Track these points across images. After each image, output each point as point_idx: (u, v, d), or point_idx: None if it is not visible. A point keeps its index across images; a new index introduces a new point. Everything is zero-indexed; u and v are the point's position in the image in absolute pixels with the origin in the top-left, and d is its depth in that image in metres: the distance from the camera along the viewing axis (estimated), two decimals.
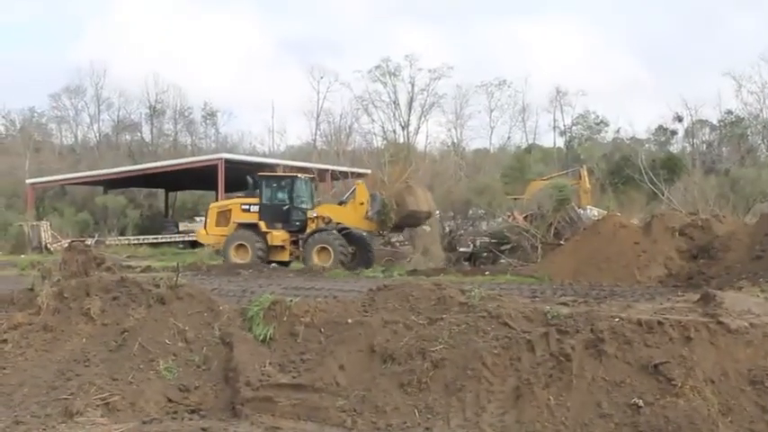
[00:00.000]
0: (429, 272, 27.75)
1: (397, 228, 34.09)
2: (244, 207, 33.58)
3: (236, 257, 31.91)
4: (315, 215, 32.92)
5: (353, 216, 32.48)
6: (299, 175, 35.54)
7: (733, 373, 9.09)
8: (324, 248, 31.22)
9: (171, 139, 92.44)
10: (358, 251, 32.21)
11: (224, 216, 33.94)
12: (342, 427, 9.41)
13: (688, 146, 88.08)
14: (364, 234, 33.23)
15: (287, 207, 33.36)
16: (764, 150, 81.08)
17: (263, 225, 32.64)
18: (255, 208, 33.25)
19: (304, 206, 33.97)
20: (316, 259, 31.01)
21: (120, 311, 11.88)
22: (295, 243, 32.93)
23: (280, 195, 33.84)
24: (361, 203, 32.31)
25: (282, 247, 32.76)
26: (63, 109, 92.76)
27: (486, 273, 27.89)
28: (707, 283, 19.87)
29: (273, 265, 31.90)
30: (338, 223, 32.68)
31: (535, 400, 9.02)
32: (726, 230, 26.09)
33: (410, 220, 33.10)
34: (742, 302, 10.56)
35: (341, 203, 33.98)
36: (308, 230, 32.44)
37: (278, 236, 32.62)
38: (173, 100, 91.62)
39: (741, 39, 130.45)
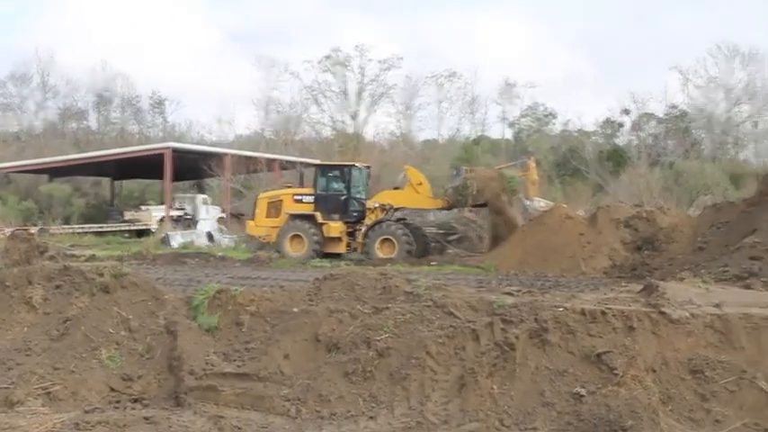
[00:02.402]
0: (376, 261, 27.76)
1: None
2: (296, 198, 32.68)
3: (290, 250, 31.13)
4: (376, 205, 31.94)
5: (416, 198, 31.85)
6: (357, 164, 34.27)
7: (674, 362, 9.20)
8: (387, 240, 30.40)
9: (118, 127, 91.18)
10: (414, 240, 31.02)
11: (274, 207, 32.89)
12: (286, 416, 9.38)
13: (634, 139, 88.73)
14: (418, 224, 32.84)
15: (344, 197, 32.32)
16: (708, 144, 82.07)
17: (319, 216, 31.71)
18: (309, 198, 32.33)
19: (360, 196, 32.93)
20: (379, 252, 30.24)
21: (63, 300, 11.75)
22: (351, 234, 32.04)
23: (336, 185, 32.69)
24: (420, 183, 31.70)
25: (339, 239, 31.79)
26: (8, 96, 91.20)
27: (433, 263, 27.95)
28: (650, 273, 20.09)
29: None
30: (397, 209, 32.26)
31: (479, 389, 9.07)
32: (669, 222, 26.42)
33: (480, 207, 32.34)
34: (684, 293, 10.68)
35: (395, 189, 33.27)
36: (369, 221, 31.44)
37: (335, 227, 31.63)
38: (120, 88, 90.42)
39: (688, 33, 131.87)
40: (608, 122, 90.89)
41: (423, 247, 31.14)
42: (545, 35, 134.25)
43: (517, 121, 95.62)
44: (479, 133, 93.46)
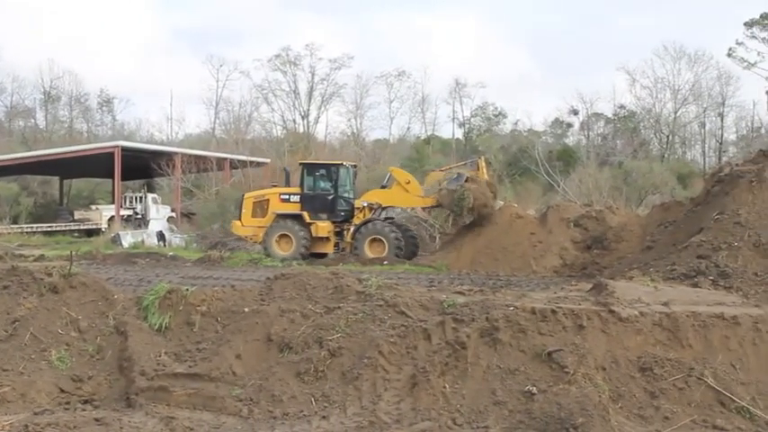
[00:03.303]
0: (328, 261, 27.70)
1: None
2: (283, 197, 31.95)
3: (278, 249, 30.62)
4: (364, 204, 31.39)
5: (406, 196, 31.40)
6: (344, 163, 33.74)
7: (623, 360, 9.30)
8: (376, 239, 29.88)
9: (66, 125, 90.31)
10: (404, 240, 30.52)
11: (261, 207, 32.25)
12: (238, 417, 9.33)
13: (583, 138, 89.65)
14: (406, 223, 32.50)
15: (332, 196, 31.70)
16: (656, 144, 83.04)
17: (306, 216, 31.12)
18: (296, 198, 31.73)
19: (348, 195, 32.46)
20: (368, 251, 29.72)
21: (11, 300, 11.59)
22: (339, 234, 31.60)
23: (323, 184, 32.07)
24: (408, 182, 31.23)
25: (327, 239, 31.25)
26: None
27: (385, 262, 27.94)
28: (600, 272, 20.28)
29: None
30: (384, 209, 31.95)
31: (431, 388, 9.09)
32: (619, 222, 26.68)
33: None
34: (633, 292, 10.80)
35: (383, 188, 32.33)
36: (357, 221, 30.90)
37: (323, 227, 31.08)
38: (68, 86, 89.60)
39: (635, 34, 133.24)
40: (557, 122, 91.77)
41: (411, 248, 30.80)
42: (495, 35, 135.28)
43: (467, 121, 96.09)
44: (430, 133, 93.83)
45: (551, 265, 25.47)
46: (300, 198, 31.55)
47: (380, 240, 29.79)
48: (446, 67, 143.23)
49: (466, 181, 29.37)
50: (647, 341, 9.52)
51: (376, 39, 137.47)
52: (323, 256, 30.76)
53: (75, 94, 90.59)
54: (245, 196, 33.45)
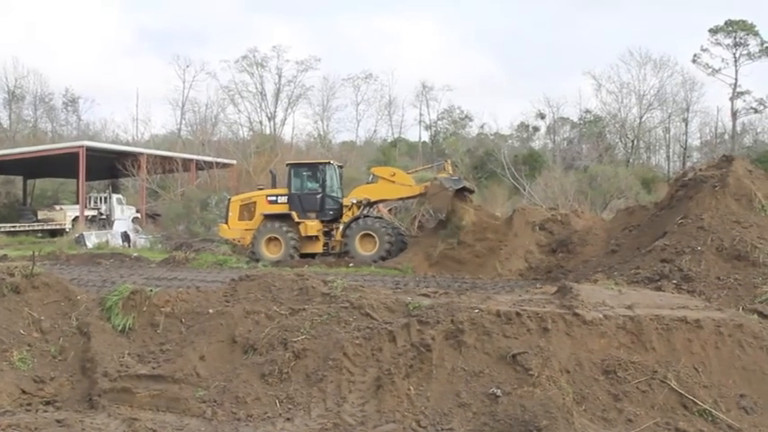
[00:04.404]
0: (293, 263, 27.65)
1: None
2: (270, 198, 32.02)
3: (268, 253, 30.52)
4: (353, 202, 31.45)
5: (394, 188, 31.25)
6: (331, 162, 33.93)
7: (587, 362, 9.33)
8: (367, 235, 29.92)
9: (30, 125, 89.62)
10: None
11: (247, 209, 32.30)
12: (202, 418, 9.27)
13: (549, 142, 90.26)
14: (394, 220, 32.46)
15: (320, 195, 31.73)
16: (622, 149, 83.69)
17: (295, 215, 31.14)
18: (283, 199, 31.75)
19: (336, 194, 32.52)
20: (359, 248, 29.77)
21: None
22: (327, 234, 31.50)
23: (310, 184, 32.11)
24: (393, 174, 31.33)
25: (316, 238, 31.24)
26: None
27: (351, 264, 27.92)
28: (565, 275, 20.33)
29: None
30: (374, 203, 31.94)
31: (396, 390, 9.07)
32: (584, 225, 26.82)
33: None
34: (597, 295, 10.85)
35: (369, 183, 32.53)
36: (346, 219, 30.96)
37: (312, 226, 31.12)
38: (32, 85, 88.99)
39: (601, 39, 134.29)
40: (523, 126, 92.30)
41: (400, 245, 30.48)
42: (462, 39, 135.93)
43: (434, 124, 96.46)
44: (396, 135, 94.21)
45: (516, 268, 25.51)
46: (288, 198, 31.58)
47: (371, 236, 29.80)
48: (413, 70, 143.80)
49: (464, 190, 29.65)
50: (611, 344, 9.57)
51: (342, 42, 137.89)
52: (312, 256, 30.65)
53: (40, 94, 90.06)
54: (232, 200, 33.57)
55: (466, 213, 28.05)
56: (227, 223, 32.74)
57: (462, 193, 29.75)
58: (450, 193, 28.75)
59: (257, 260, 29.88)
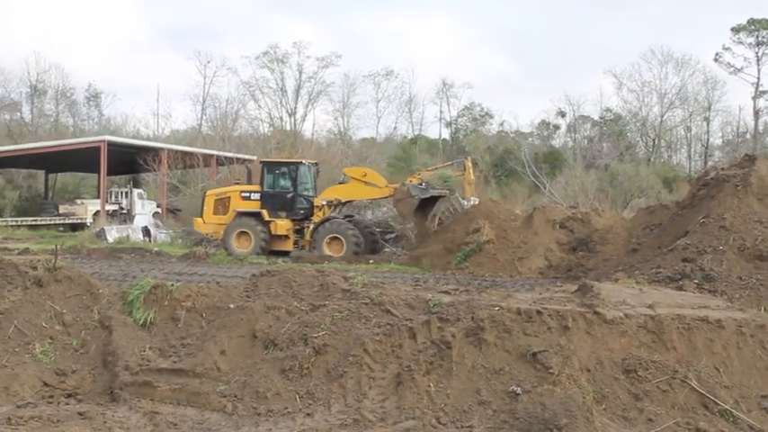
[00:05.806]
0: (314, 259, 27.68)
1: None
2: (244, 195, 32.04)
3: (237, 246, 30.59)
4: (324, 202, 31.47)
5: (364, 189, 31.45)
6: (304, 161, 33.90)
7: (608, 361, 9.31)
8: (335, 238, 29.93)
9: (52, 119, 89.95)
10: (363, 238, 30.65)
11: (222, 204, 32.33)
12: (222, 413, 9.32)
13: (570, 141, 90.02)
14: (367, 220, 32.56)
15: (291, 195, 31.82)
16: (642, 147, 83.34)
17: (266, 214, 31.16)
18: (256, 196, 31.82)
19: (308, 193, 32.47)
20: (327, 249, 29.76)
21: None
22: (298, 232, 31.57)
23: (283, 182, 32.19)
24: (364, 174, 31.52)
25: (286, 237, 31.28)
26: None
27: (371, 261, 27.92)
28: (585, 274, 20.28)
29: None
30: (345, 204, 32.12)
31: (416, 387, 9.08)
32: (604, 224, 26.70)
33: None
34: (618, 294, 10.82)
35: (341, 183, 32.75)
36: (317, 219, 31.01)
37: (282, 225, 31.13)
38: (54, 80, 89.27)
39: (623, 38, 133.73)
40: (544, 124, 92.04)
41: (370, 244, 30.86)
42: (483, 37, 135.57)
43: (454, 121, 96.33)
44: (417, 132, 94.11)
45: (536, 267, 25.39)
46: (261, 196, 31.69)
47: (339, 239, 29.89)
48: (434, 66, 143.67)
49: (434, 198, 29.87)
50: (632, 343, 9.54)
51: (358, 39, 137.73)
52: (285, 254, 30.89)
53: (62, 89, 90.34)
54: (207, 194, 33.80)
55: (484, 228, 27.92)
56: (202, 217, 32.95)
57: (434, 200, 30.12)
58: (414, 201, 29.18)
59: (226, 251, 30.28)
